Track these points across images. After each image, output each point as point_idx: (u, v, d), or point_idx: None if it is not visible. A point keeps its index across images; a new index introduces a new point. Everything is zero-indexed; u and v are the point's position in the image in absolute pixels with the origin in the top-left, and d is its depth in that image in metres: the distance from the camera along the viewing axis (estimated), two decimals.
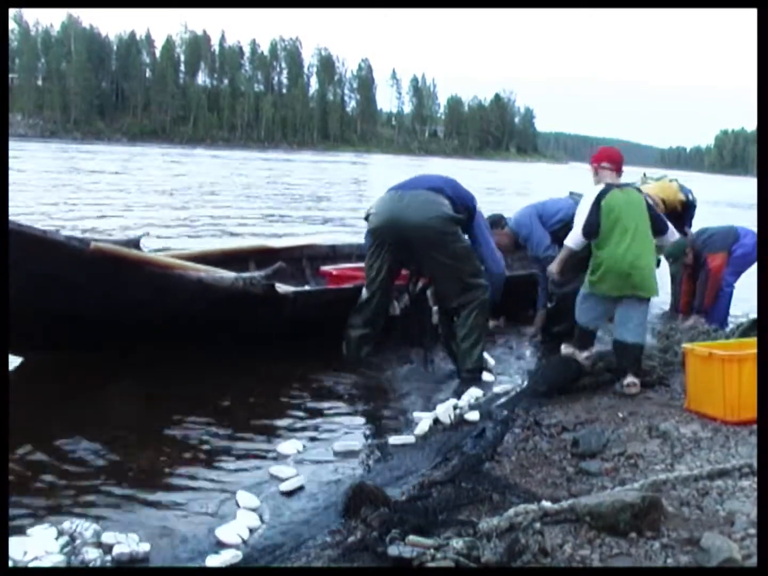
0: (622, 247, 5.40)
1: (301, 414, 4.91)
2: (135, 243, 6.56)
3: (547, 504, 3.08)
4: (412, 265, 6.16)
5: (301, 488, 3.71)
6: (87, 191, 21.75)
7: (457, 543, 2.80)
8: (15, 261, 4.52)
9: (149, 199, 20.60)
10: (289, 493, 3.66)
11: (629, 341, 5.46)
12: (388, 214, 5.88)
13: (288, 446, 4.23)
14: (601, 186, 5.66)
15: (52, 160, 40.06)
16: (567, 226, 6.56)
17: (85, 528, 3.08)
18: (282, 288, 5.90)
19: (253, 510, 3.43)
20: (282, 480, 3.76)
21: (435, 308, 6.15)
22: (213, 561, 2.95)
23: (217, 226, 15.36)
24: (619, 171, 5.88)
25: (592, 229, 5.54)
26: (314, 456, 4.18)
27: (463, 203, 6.04)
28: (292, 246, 8.27)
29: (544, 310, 7.12)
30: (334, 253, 8.30)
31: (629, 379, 5.36)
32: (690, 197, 8.22)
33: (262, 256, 7.53)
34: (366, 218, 6.15)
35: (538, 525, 2.96)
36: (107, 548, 3.01)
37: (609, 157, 5.95)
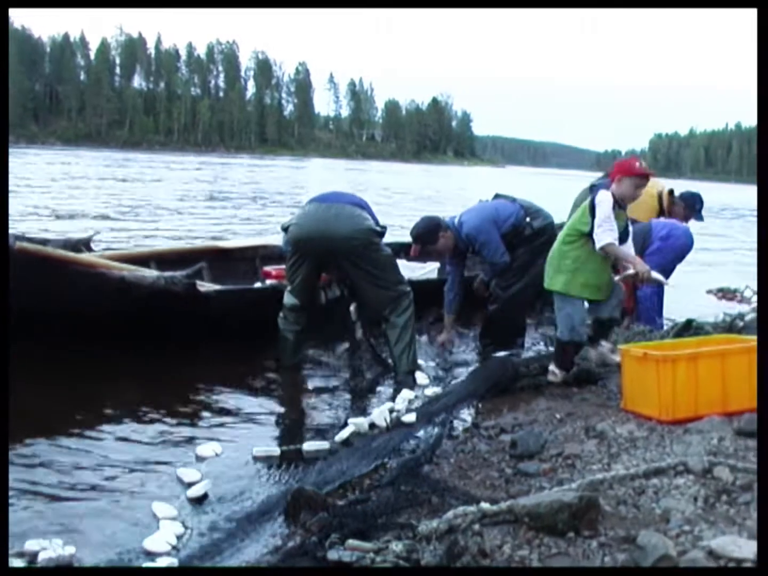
0: None
1: (227, 418, 4.89)
2: (85, 243, 6.64)
3: (485, 505, 3.08)
4: (335, 271, 6.14)
5: (220, 494, 3.65)
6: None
7: (397, 546, 2.78)
8: None
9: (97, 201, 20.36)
10: (203, 500, 3.59)
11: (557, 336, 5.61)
12: (314, 225, 5.78)
13: (207, 450, 4.20)
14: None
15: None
16: (516, 230, 6.53)
17: None
18: (204, 286, 6.00)
19: (173, 518, 3.35)
20: (191, 485, 3.70)
21: (358, 323, 6.27)
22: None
23: (165, 229, 15.29)
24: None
25: None
26: (233, 460, 4.14)
27: (376, 221, 6.09)
28: (246, 246, 8.30)
29: None
30: None
31: (551, 366, 5.56)
32: None
33: (215, 256, 7.58)
34: (284, 229, 5.99)
35: (477, 526, 2.96)
36: (32, 556, 2.92)
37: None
